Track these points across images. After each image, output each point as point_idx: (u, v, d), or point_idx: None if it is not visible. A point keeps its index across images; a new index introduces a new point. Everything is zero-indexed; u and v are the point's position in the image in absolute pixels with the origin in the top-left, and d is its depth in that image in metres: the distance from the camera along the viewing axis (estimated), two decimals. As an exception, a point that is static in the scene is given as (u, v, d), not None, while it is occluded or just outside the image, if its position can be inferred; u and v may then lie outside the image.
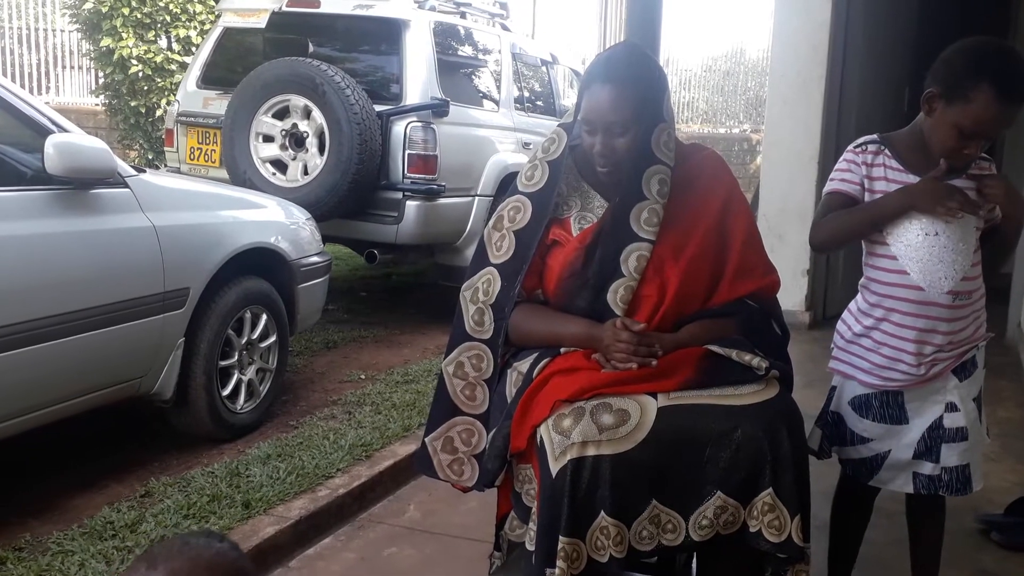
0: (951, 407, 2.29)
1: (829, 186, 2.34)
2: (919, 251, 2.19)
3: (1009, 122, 2.12)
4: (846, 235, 2.34)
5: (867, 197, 2.27)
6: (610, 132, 2.08)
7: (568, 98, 7.87)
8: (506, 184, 6.05)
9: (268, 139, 5.57)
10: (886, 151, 2.27)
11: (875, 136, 2.32)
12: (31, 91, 12.14)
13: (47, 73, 13.33)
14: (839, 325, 2.43)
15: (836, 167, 2.35)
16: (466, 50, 6.60)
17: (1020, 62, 2.09)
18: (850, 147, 2.34)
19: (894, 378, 2.28)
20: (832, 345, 2.45)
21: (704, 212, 2.18)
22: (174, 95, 7.38)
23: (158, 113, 9.44)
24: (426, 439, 2.32)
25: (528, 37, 9.32)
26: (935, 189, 2.15)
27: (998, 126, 2.12)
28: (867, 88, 6.56)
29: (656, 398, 2.00)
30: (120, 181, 3.32)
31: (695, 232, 2.16)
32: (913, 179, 2.23)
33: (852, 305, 2.41)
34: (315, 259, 4.41)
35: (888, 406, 2.32)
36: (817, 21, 6.18)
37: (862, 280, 2.36)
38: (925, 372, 2.26)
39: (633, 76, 2.10)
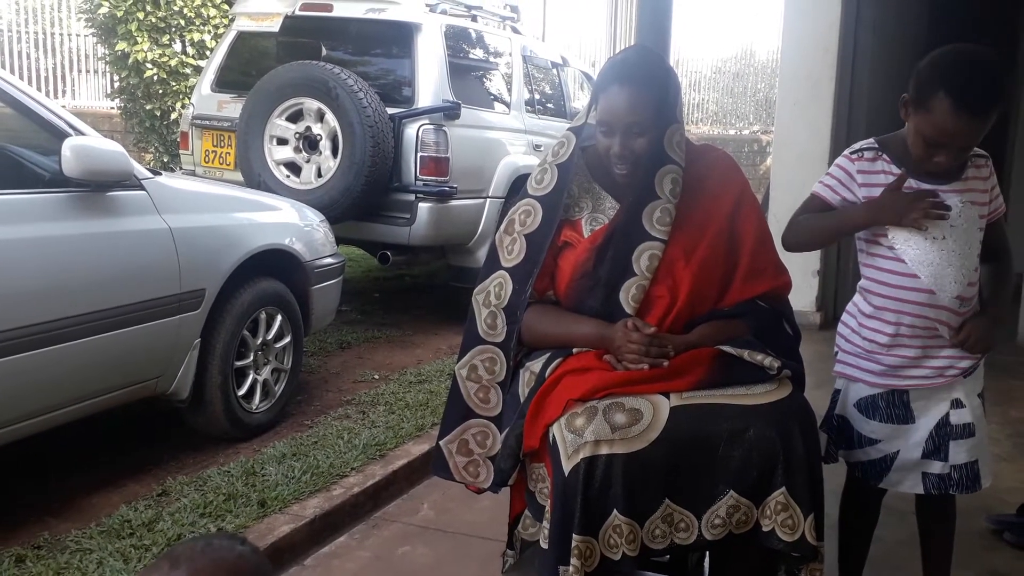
0: (957, 404, 2.30)
1: (814, 187, 2.37)
2: (929, 254, 2.21)
3: (974, 134, 2.10)
4: (814, 240, 2.42)
5: None
6: (629, 133, 2.09)
7: (578, 100, 7.88)
8: (517, 186, 6.07)
9: (282, 142, 5.61)
10: (884, 156, 2.28)
11: (872, 141, 2.33)
12: (47, 95, 12.22)
13: (63, 77, 13.40)
14: (841, 328, 2.44)
15: (829, 170, 2.36)
16: (477, 53, 6.63)
17: (984, 71, 2.07)
18: (846, 151, 2.34)
19: (906, 376, 2.29)
20: (836, 349, 2.45)
21: (715, 213, 2.19)
22: (189, 98, 7.43)
23: (173, 116, 9.49)
24: (441, 442, 2.34)
25: (538, 40, 9.33)
26: (896, 201, 2.18)
27: (960, 137, 2.10)
28: (877, 89, 6.55)
29: (668, 398, 2.02)
30: (136, 183, 3.36)
31: (707, 233, 2.17)
32: (914, 183, 2.23)
33: (852, 308, 2.41)
34: (329, 260, 4.44)
35: (894, 406, 2.33)
36: (827, 22, 6.18)
37: (862, 283, 2.36)
38: (938, 375, 2.28)
39: (650, 77, 2.12)
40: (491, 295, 2.27)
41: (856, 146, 2.34)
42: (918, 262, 2.21)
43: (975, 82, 2.06)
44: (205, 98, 6.32)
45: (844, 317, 2.43)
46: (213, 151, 6.19)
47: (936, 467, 2.32)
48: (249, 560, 1.21)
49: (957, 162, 2.20)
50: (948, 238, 2.20)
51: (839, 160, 2.34)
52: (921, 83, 2.13)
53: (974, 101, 2.05)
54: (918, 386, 2.30)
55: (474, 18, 6.65)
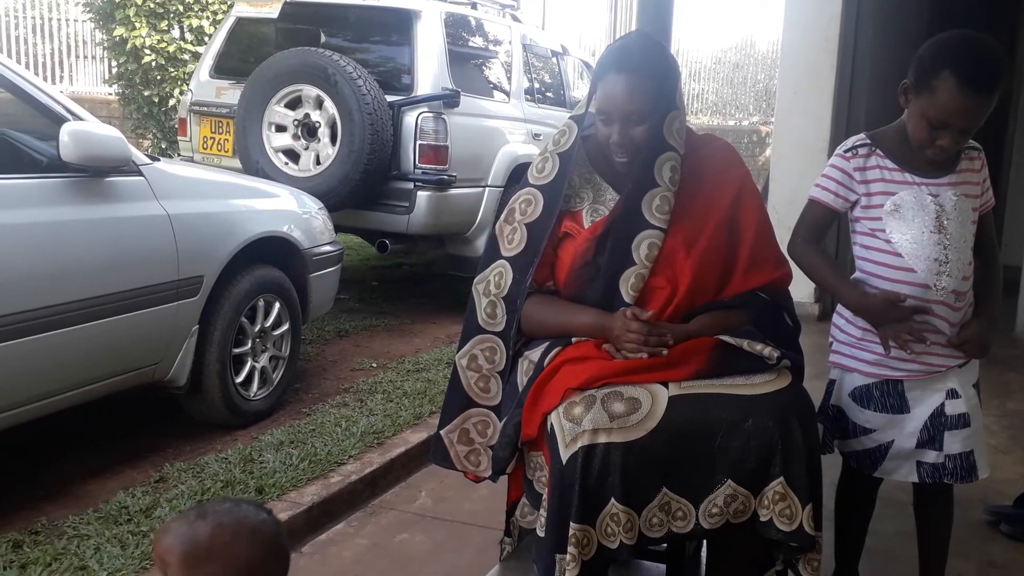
0: (952, 394, 2.30)
1: (813, 191, 2.36)
2: (926, 248, 2.21)
3: (978, 113, 2.11)
4: (811, 277, 2.42)
5: (864, 201, 2.29)
6: (627, 122, 2.08)
7: (578, 89, 7.86)
8: (516, 175, 6.06)
9: (281, 129, 5.60)
10: (878, 151, 2.28)
11: (863, 137, 2.32)
12: (45, 80, 12.17)
13: (61, 62, 13.35)
14: (835, 319, 2.44)
15: (824, 172, 2.35)
16: (477, 41, 6.61)
17: (986, 52, 2.09)
18: (840, 150, 2.33)
19: (901, 367, 2.30)
20: (830, 339, 2.46)
21: (716, 203, 2.18)
22: (187, 85, 7.40)
23: (171, 102, 9.46)
24: (441, 432, 2.33)
25: (538, 28, 9.31)
26: (889, 313, 2.22)
27: (965, 116, 2.11)
28: (877, 79, 6.54)
29: (667, 387, 2.02)
30: (134, 169, 3.35)
31: (707, 224, 2.16)
32: (907, 177, 2.24)
33: None
34: (327, 248, 4.43)
35: (889, 395, 2.33)
36: (828, 12, 6.17)
37: (857, 275, 2.36)
38: (935, 362, 2.28)
39: (649, 65, 2.10)
40: (491, 284, 2.27)
41: (848, 143, 2.33)
42: (915, 256, 2.22)
43: (979, 61, 2.08)
44: (203, 84, 6.30)
45: (839, 308, 2.44)
46: (211, 137, 6.18)
47: (931, 456, 2.32)
48: (270, 528, 1.31)
49: (958, 147, 2.21)
50: (944, 233, 2.21)
51: (834, 160, 2.33)
52: (925, 65, 2.14)
53: (978, 78, 2.07)
54: (912, 376, 2.30)
55: (474, 6, 6.63)
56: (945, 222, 2.21)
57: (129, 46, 9.27)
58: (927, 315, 2.22)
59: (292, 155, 5.62)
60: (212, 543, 1.25)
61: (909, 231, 2.22)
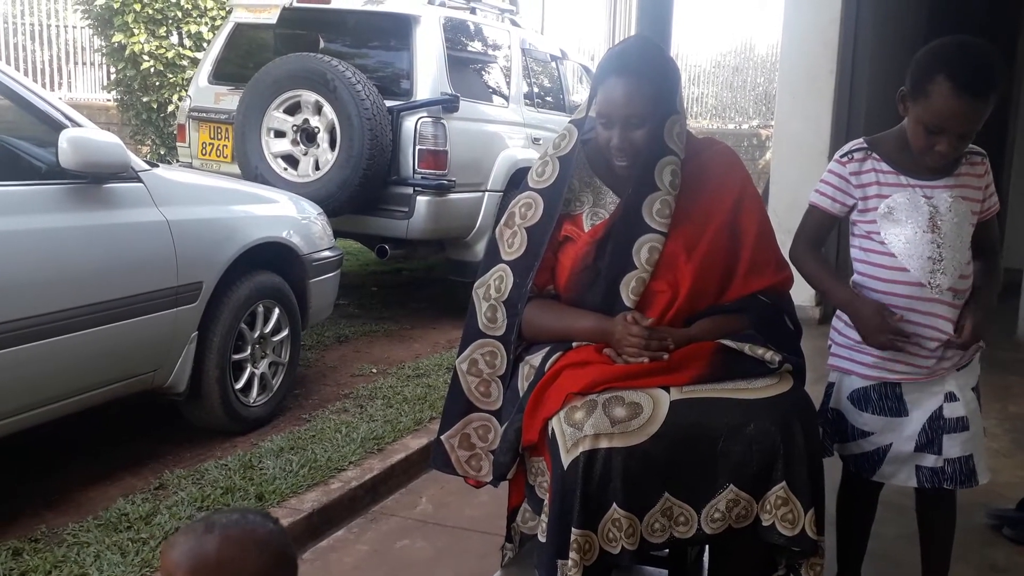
0: (950, 397, 2.29)
1: (812, 197, 2.37)
2: (918, 248, 2.22)
3: (974, 117, 2.11)
4: (811, 284, 2.44)
5: (860, 205, 2.29)
6: (627, 125, 2.08)
7: (577, 94, 7.86)
8: (516, 179, 6.06)
9: (279, 134, 5.59)
10: (874, 155, 2.28)
11: (861, 142, 2.33)
12: (43, 87, 12.17)
13: (59, 69, 13.37)
14: (834, 322, 2.44)
15: (822, 177, 2.36)
16: (476, 46, 6.61)
17: (981, 56, 2.09)
18: (837, 155, 2.34)
19: (899, 370, 2.29)
20: (829, 342, 2.46)
21: (717, 208, 2.18)
22: (186, 91, 7.40)
23: (170, 109, 9.46)
24: (442, 437, 2.32)
25: (538, 33, 9.31)
26: (873, 319, 2.22)
27: (961, 121, 2.11)
28: (877, 83, 6.55)
29: (669, 392, 2.01)
30: (133, 176, 3.34)
31: (708, 228, 2.16)
32: (902, 180, 2.25)
33: None
34: (327, 254, 4.42)
35: (887, 398, 2.32)
36: (828, 15, 6.17)
37: (855, 277, 2.36)
38: (934, 365, 2.27)
39: (649, 68, 2.10)
40: (491, 288, 2.26)
41: (844, 149, 2.34)
42: (907, 255, 2.22)
43: (973, 65, 2.08)
44: (202, 90, 6.29)
45: (838, 311, 2.44)
46: (210, 143, 6.17)
47: (929, 460, 2.32)
48: (277, 538, 1.31)
49: (957, 153, 2.20)
50: (937, 232, 2.21)
51: (831, 166, 2.35)
52: (920, 71, 2.14)
53: (973, 82, 2.06)
54: (910, 379, 2.29)
55: (473, 11, 6.63)
56: (939, 222, 2.21)
57: (128, 52, 9.27)
58: (910, 334, 2.23)
59: (291, 160, 5.61)
60: (220, 556, 1.25)
61: (903, 232, 2.23)
